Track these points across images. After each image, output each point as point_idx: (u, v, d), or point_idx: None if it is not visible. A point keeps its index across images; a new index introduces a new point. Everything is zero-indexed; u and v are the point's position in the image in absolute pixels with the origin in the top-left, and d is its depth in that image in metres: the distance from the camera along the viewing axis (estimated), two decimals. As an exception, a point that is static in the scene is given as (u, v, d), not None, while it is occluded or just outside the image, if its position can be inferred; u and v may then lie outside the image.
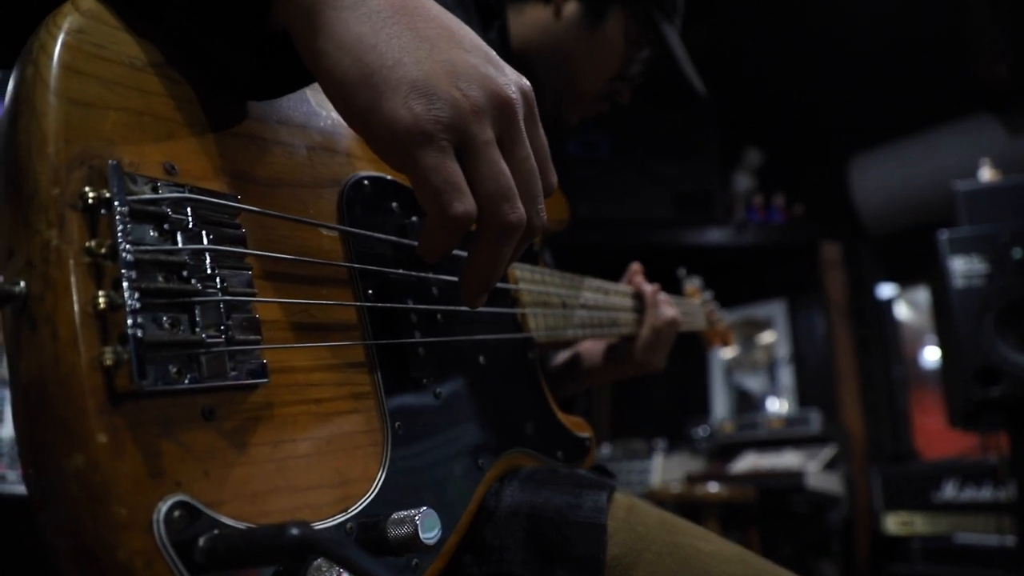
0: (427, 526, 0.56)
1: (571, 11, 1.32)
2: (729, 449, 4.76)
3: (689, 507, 3.76)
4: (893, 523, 3.85)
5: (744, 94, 4.77)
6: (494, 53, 0.61)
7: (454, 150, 0.56)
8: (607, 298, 1.28)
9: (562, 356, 1.53)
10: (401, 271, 0.73)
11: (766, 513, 4.04)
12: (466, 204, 0.56)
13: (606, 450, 4.84)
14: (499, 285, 0.90)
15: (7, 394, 2.94)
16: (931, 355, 5.04)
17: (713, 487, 3.89)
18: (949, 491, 3.69)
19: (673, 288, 1.62)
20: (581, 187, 4.84)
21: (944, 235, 2.55)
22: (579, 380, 1.49)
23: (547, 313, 1.01)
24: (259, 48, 0.58)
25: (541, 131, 0.64)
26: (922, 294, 5.13)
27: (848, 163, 4.99)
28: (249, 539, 0.46)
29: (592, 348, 1.48)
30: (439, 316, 0.77)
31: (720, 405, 5.55)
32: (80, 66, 0.50)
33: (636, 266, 1.47)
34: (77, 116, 0.49)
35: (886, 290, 5.28)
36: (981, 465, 3.61)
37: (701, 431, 4.95)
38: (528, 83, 0.62)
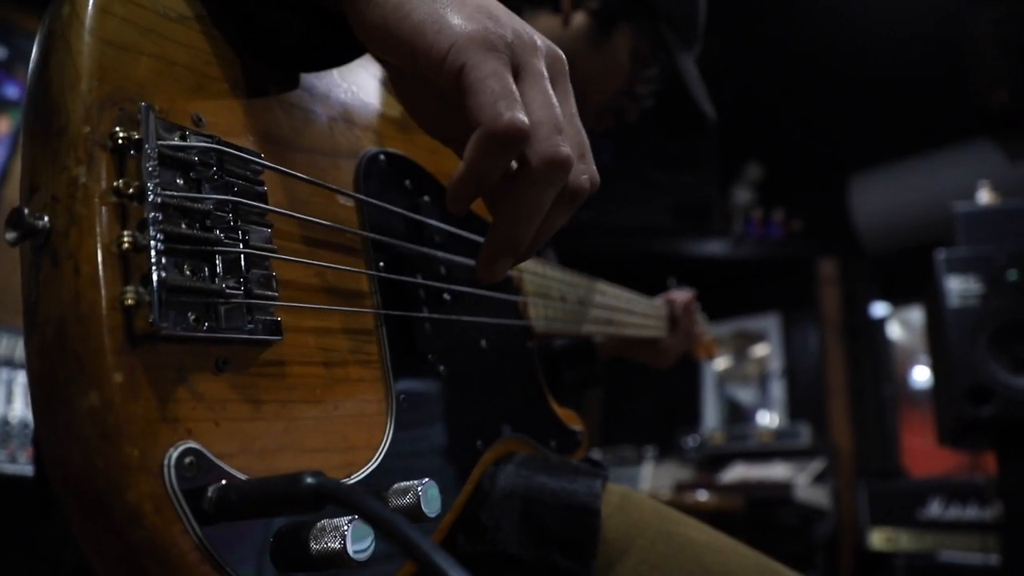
0: (429, 497, 0.55)
1: (579, 22, 1.33)
2: (718, 459, 4.78)
3: (677, 515, 3.77)
4: (878, 538, 3.87)
5: (747, 109, 4.80)
6: None
7: (512, 72, 0.55)
8: (619, 303, 1.32)
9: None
10: (412, 246, 0.74)
11: (754, 523, 4.06)
12: (521, 115, 0.52)
13: (596, 456, 4.85)
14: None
15: (14, 375, 2.93)
16: (921, 375, 5.07)
17: (702, 496, 3.90)
18: (935, 509, 3.72)
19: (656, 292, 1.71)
20: (582, 193, 4.84)
21: (941, 254, 2.58)
22: (612, 347, 1.64)
23: (548, 304, 1.02)
24: (310, 16, 0.59)
25: (579, 119, 0.63)
26: (915, 314, 5.17)
27: (848, 182, 5.03)
28: (263, 488, 0.45)
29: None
30: (446, 295, 0.77)
31: (711, 415, 5.57)
32: (115, 9, 0.51)
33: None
34: (111, 57, 0.49)
35: (880, 309, 5.32)
36: (967, 484, 3.64)
37: (691, 440, 4.96)
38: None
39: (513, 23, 0.56)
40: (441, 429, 0.71)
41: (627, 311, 1.39)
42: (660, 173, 5.01)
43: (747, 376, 5.49)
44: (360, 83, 0.76)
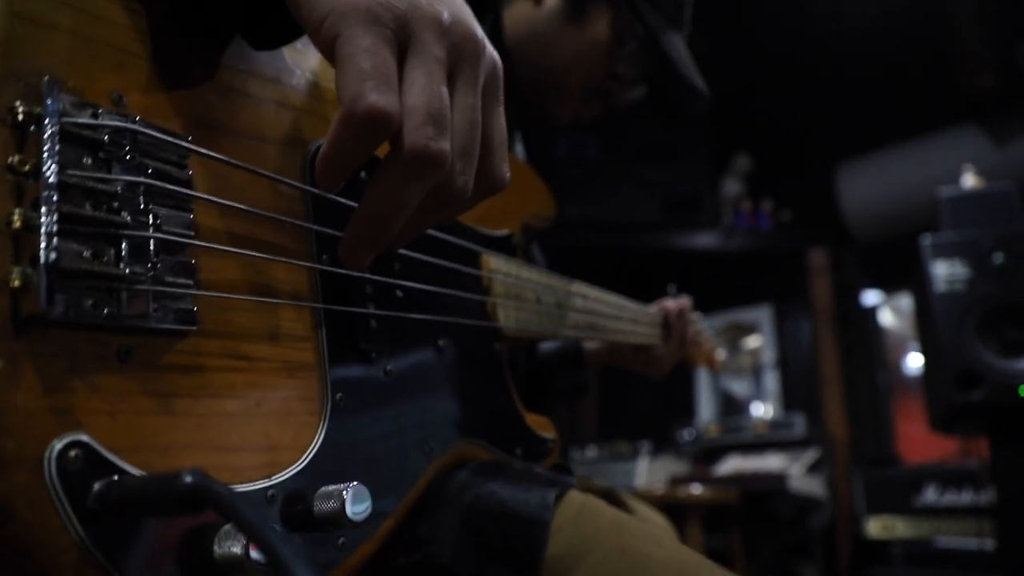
0: (355, 502, 0.52)
1: (552, 3, 1.31)
2: (714, 452, 4.77)
3: (672, 509, 3.76)
4: (874, 527, 3.87)
5: (734, 101, 4.79)
6: (473, 15, 0.57)
7: (397, 50, 0.50)
8: (603, 307, 1.30)
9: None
10: None
11: (749, 515, 4.05)
12: (387, 99, 0.47)
13: (591, 452, 4.84)
14: (471, 271, 0.87)
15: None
16: (914, 362, 5.07)
17: (696, 489, 3.89)
18: (930, 495, 3.71)
19: (660, 298, 1.67)
20: (569, 189, 4.84)
21: (927, 240, 2.57)
22: (603, 357, 1.63)
23: (520, 306, 0.99)
24: None
25: (502, 114, 0.59)
26: (906, 301, 5.16)
27: (835, 170, 5.02)
28: (143, 485, 0.43)
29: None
30: (399, 292, 0.74)
31: (705, 408, 5.56)
32: None
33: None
34: (20, 31, 0.47)
35: (871, 297, 5.31)
36: (961, 470, 3.63)
37: (686, 434, 4.96)
38: (500, 62, 0.58)
39: None
40: (386, 431, 0.68)
41: (614, 316, 1.35)
42: (648, 167, 5.00)
43: (741, 368, 5.49)
44: (318, 69, 0.72)
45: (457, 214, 0.59)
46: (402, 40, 0.50)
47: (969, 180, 2.88)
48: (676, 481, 4.32)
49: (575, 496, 0.76)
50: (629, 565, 0.68)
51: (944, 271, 2.51)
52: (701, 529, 3.73)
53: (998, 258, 2.47)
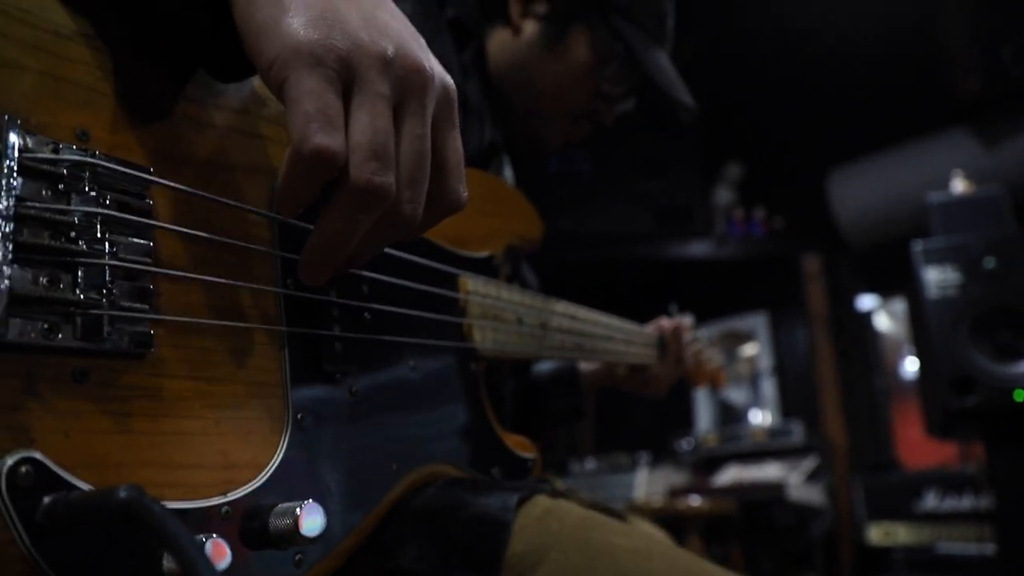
0: (309, 519, 0.54)
1: (530, 30, 1.31)
2: (713, 461, 4.76)
3: (671, 521, 3.75)
4: (876, 533, 3.85)
5: (724, 109, 4.80)
6: (423, 41, 0.59)
7: (342, 88, 0.52)
8: (592, 327, 1.29)
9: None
10: None
11: (748, 526, 4.03)
12: (333, 139, 0.51)
13: (590, 464, 4.83)
14: (446, 293, 0.88)
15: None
16: (911, 365, 5.07)
17: (694, 500, 3.88)
18: (930, 501, 3.70)
19: (656, 309, 1.66)
20: (561, 202, 4.85)
21: (918, 246, 2.57)
22: (599, 378, 1.62)
23: (498, 327, 0.98)
24: (220, 19, 0.57)
25: (457, 136, 0.61)
26: (902, 305, 5.17)
27: (827, 176, 5.03)
28: (85, 501, 0.45)
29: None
30: (367, 314, 0.75)
31: (704, 418, 5.54)
32: (1, 28, 0.51)
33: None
34: None
35: (866, 301, 5.31)
36: (961, 475, 3.62)
37: (685, 444, 4.94)
38: (452, 83, 0.60)
39: (361, 33, 0.52)
40: (349, 451, 0.69)
41: (604, 337, 1.34)
42: (639, 178, 5.01)
43: (738, 376, 5.48)
44: None
45: (412, 236, 0.62)
46: (346, 79, 0.52)
47: (959, 185, 2.88)
48: (675, 492, 4.31)
49: (542, 500, 0.77)
50: (592, 555, 0.70)
51: (936, 277, 2.51)
52: (701, 541, 3.71)
53: (989, 262, 2.47)
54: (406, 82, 0.55)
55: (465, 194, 0.62)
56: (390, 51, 0.53)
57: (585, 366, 1.59)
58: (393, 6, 0.59)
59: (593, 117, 1.39)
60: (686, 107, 1.36)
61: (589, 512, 0.77)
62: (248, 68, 0.63)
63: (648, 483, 4.35)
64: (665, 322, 1.60)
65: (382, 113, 0.53)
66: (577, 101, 1.35)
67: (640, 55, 1.28)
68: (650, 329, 1.58)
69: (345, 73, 0.52)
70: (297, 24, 0.51)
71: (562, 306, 1.18)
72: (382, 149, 0.53)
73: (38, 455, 0.46)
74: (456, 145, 0.61)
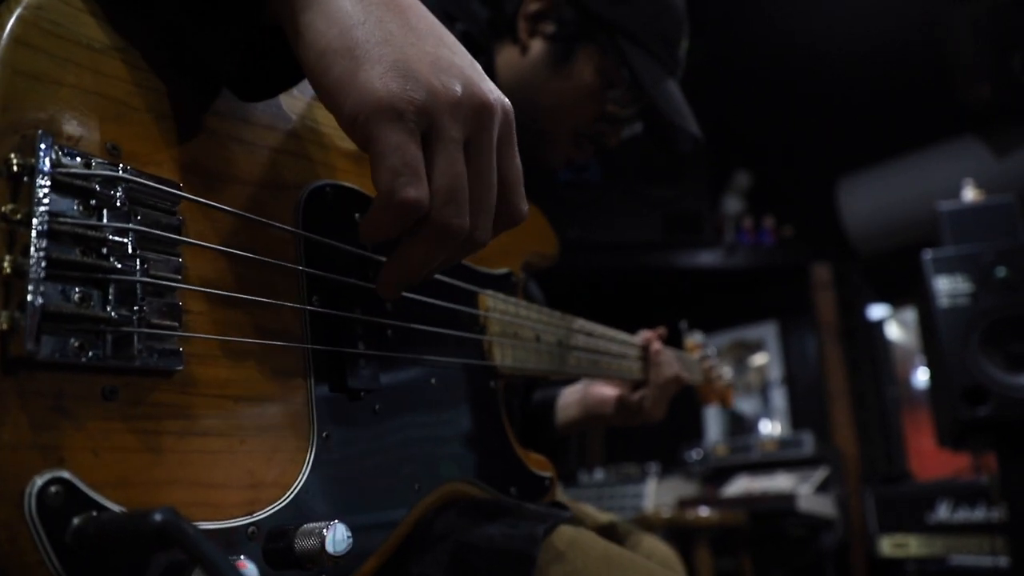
0: (335, 540, 0.54)
1: (538, 49, 1.30)
2: (723, 472, 4.73)
3: (680, 532, 3.73)
4: (888, 545, 3.82)
5: (733, 118, 4.80)
6: (480, 67, 0.61)
7: (420, 137, 0.56)
8: (607, 344, 1.28)
9: (571, 396, 1.52)
10: (353, 280, 0.71)
11: (758, 537, 4.00)
12: (419, 191, 0.55)
13: (599, 475, 4.81)
14: (467, 310, 0.89)
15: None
16: (923, 375, 5.03)
17: (704, 511, 3.85)
18: (943, 512, 3.67)
19: (664, 318, 1.61)
20: (571, 211, 4.85)
21: (928, 255, 2.55)
22: (582, 423, 1.52)
23: (517, 344, 0.98)
24: (250, 43, 0.58)
25: (516, 155, 0.64)
26: (913, 314, 5.13)
27: (836, 185, 5.01)
28: (117, 523, 0.45)
29: (601, 395, 1.48)
30: (389, 331, 0.75)
31: (713, 428, 5.52)
32: (33, 40, 0.51)
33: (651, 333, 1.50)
34: (20, 86, 0.50)
35: (877, 311, 5.28)
36: (973, 485, 3.59)
37: (694, 454, 4.91)
38: (510, 105, 0.62)
39: (432, 80, 0.56)
40: (373, 469, 0.69)
41: (619, 355, 1.32)
42: (649, 187, 5.00)
43: (748, 386, 5.46)
44: (312, 114, 0.74)
45: (478, 251, 0.65)
46: (424, 127, 0.56)
47: (969, 193, 2.86)
48: (684, 503, 4.28)
49: (566, 531, 0.77)
50: None
51: (947, 286, 2.49)
52: (710, 552, 3.69)
53: (1000, 271, 2.45)
54: (475, 120, 0.58)
55: (525, 208, 0.66)
56: (459, 91, 0.57)
57: (567, 413, 1.53)
58: (451, 37, 0.61)
59: (597, 139, 1.38)
60: (690, 136, 1.35)
61: (610, 547, 0.78)
62: (272, 89, 0.64)
63: (657, 494, 4.33)
64: (646, 333, 1.49)
65: (457, 158, 0.57)
66: (581, 122, 1.34)
67: (644, 81, 1.27)
68: (633, 338, 1.49)
69: (423, 121, 0.55)
70: (374, 77, 0.54)
71: (578, 323, 1.18)
72: (459, 193, 0.58)
73: (68, 475, 0.46)
74: (516, 164, 0.64)
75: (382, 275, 0.64)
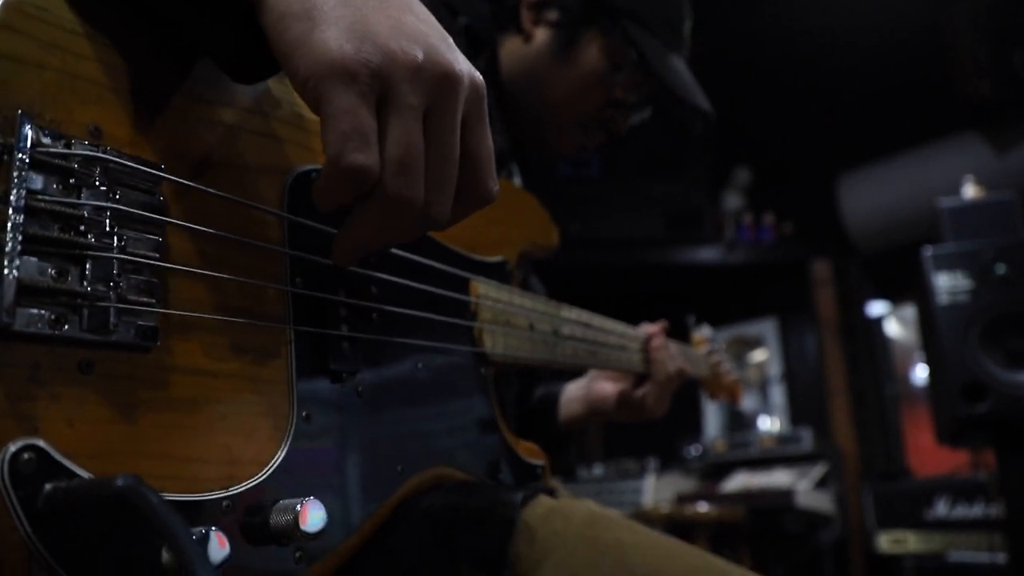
0: (310, 516, 0.55)
1: (542, 37, 1.29)
2: (721, 468, 4.74)
3: (679, 527, 3.74)
4: (886, 541, 3.82)
5: (733, 114, 4.79)
6: (451, 39, 0.59)
7: (375, 101, 0.54)
8: (606, 335, 1.27)
9: (574, 393, 1.52)
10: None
11: (756, 533, 4.01)
12: (367, 157, 0.53)
13: (598, 470, 4.81)
14: (457, 296, 0.88)
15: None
16: (922, 372, 5.03)
17: (703, 507, 3.86)
18: (941, 508, 3.67)
19: (665, 314, 1.60)
20: (571, 207, 4.85)
21: (928, 252, 2.55)
22: (585, 419, 1.52)
23: (509, 332, 0.98)
24: (238, 24, 0.58)
25: (486, 131, 0.62)
26: (912, 311, 5.14)
27: (836, 181, 5.01)
28: (84, 488, 0.45)
29: (604, 391, 1.47)
30: (375, 315, 0.75)
31: (712, 424, 5.52)
32: (17, 25, 0.52)
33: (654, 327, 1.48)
34: (3, 69, 0.51)
35: (877, 307, 5.28)
36: (972, 482, 3.59)
37: (693, 450, 4.92)
38: (481, 78, 0.60)
39: (391, 43, 0.54)
40: (354, 451, 0.69)
41: (617, 346, 1.31)
42: (649, 183, 5.00)
43: (747, 382, 5.46)
44: (298, 99, 0.72)
45: (441, 229, 0.63)
46: (379, 91, 0.54)
47: (970, 190, 2.86)
48: (683, 499, 4.29)
49: (546, 500, 0.77)
50: (598, 552, 0.70)
51: (946, 283, 2.49)
52: (709, 548, 3.69)
53: (1000, 268, 2.44)
54: (436, 89, 0.56)
55: (496, 188, 0.64)
56: (420, 57, 0.54)
57: (570, 409, 1.53)
58: (420, 6, 0.59)
59: (606, 126, 1.36)
60: (703, 113, 1.33)
61: (595, 510, 0.77)
62: (266, 70, 0.64)
63: (656, 489, 4.34)
64: (650, 326, 1.47)
65: (413, 127, 0.55)
66: (589, 109, 1.32)
67: (652, 60, 1.25)
68: (636, 331, 1.48)
69: (378, 85, 0.53)
70: (329, 38, 0.52)
71: (575, 313, 1.17)
72: (412, 162, 0.55)
73: (41, 443, 0.47)
74: (486, 141, 0.62)
75: (335, 241, 0.64)
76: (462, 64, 0.58)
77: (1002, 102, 4.01)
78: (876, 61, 4.32)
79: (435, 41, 0.57)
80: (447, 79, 0.56)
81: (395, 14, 0.56)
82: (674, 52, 1.32)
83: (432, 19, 0.60)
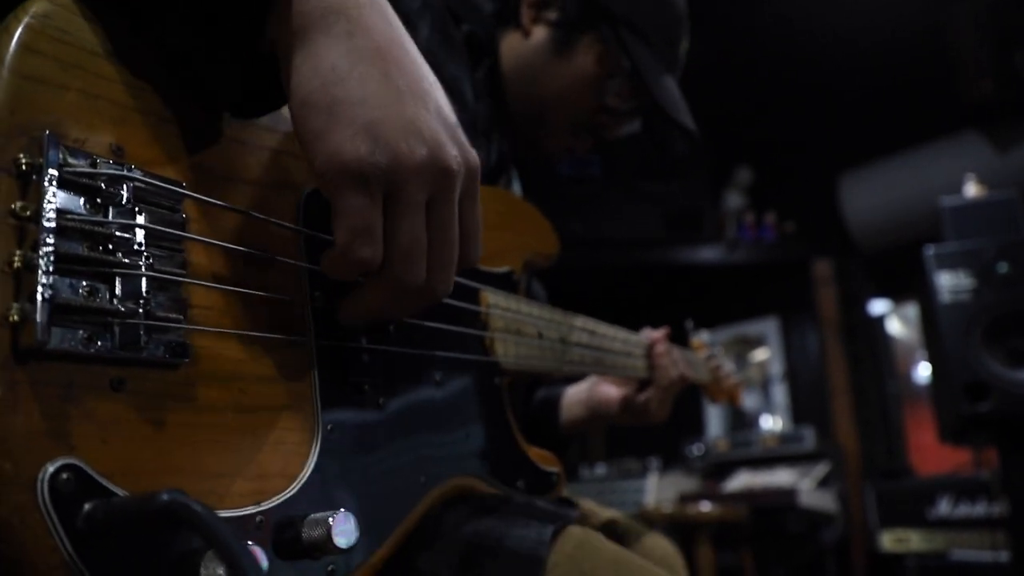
0: (342, 530, 0.55)
1: (540, 36, 1.31)
2: (723, 467, 4.74)
3: (681, 527, 3.74)
4: (889, 540, 3.82)
5: (734, 114, 4.79)
6: (455, 121, 0.63)
7: (383, 196, 0.59)
8: (611, 342, 1.28)
9: (575, 396, 1.53)
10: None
11: (759, 532, 4.01)
12: (372, 252, 0.59)
13: (600, 469, 4.82)
14: (468, 307, 0.90)
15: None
16: (924, 370, 5.03)
17: (705, 507, 3.86)
18: (944, 507, 3.67)
19: (666, 314, 1.60)
20: (572, 207, 4.85)
21: (930, 251, 2.55)
22: (586, 422, 1.53)
23: (519, 341, 0.99)
24: (247, 68, 0.60)
25: (477, 207, 0.66)
26: (914, 309, 5.14)
27: (838, 180, 5.01)
28: (124, 505, 0.46)
29: (606, 395, 1.48)
30: (391, 327, 0.76)
31: (714, 423, 5.53)
32: (39, 47, 0.53)
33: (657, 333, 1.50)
34: (27, 90, 0.51)
35: (878, 306, 5.28)
36: (974, 481, 3.59)
37: (695, 449, 4.92)
38: (476, 160, 0.64)
39: (400, 144, 0.58)
40: (378, 462, 0.70)
41: (623, 352, 1.32)
42: (650, 183, 5.00)
43: (749, 381, 5.46)
44: None
45: (439, 302, 0.67)
46: (387, 189, 0.58)
47: (971, 189, 2.86)
48: (685, 498, 4.29)
49: (574, 531, 0.77)
50: None
51: (948, 282, 2.49)
52: (711, 547, 3.70)
53: (1002, 267, 2.45)
54: (437, 184, 0.60)
55: (478, 254, 0.69)
56: (424, 154, 0.59)
57: (571, 412, 1.54)
58: (438, 92, 0.63)
59: (596, 131, 1.38)
60: (687, 132, 1.34)
61: (618, 551, 0.78)
62: (267, 108, 0.66)
63: (658, 489, 4.34)
64: (652, 332, 1.48)
65: (417, 221, 0.60)
66: (580, 111, 1.34)
67: (644, 72, 1.27)
68: (638, 337, 1.49)
69: (386, 184, 0.58)
70: (344, 139, 0.56)
71: (581, 320, 1.18)
72: (416, 255, 0.61)
73: (78, 462, 0.47)
74: (476, 216, 0.66)
75: (345, 305, 0.67)
76: (460, 154, 0.62)
77: (1003, 101, 4.01)
78: (877, 60, 4.32)
79: (441, 137, 0.60)
80: (447, 174, 0.61)
81: (410, 111, 0.59)
82: (667, 69, 1.33)
83: (445, 107, 0.63)
